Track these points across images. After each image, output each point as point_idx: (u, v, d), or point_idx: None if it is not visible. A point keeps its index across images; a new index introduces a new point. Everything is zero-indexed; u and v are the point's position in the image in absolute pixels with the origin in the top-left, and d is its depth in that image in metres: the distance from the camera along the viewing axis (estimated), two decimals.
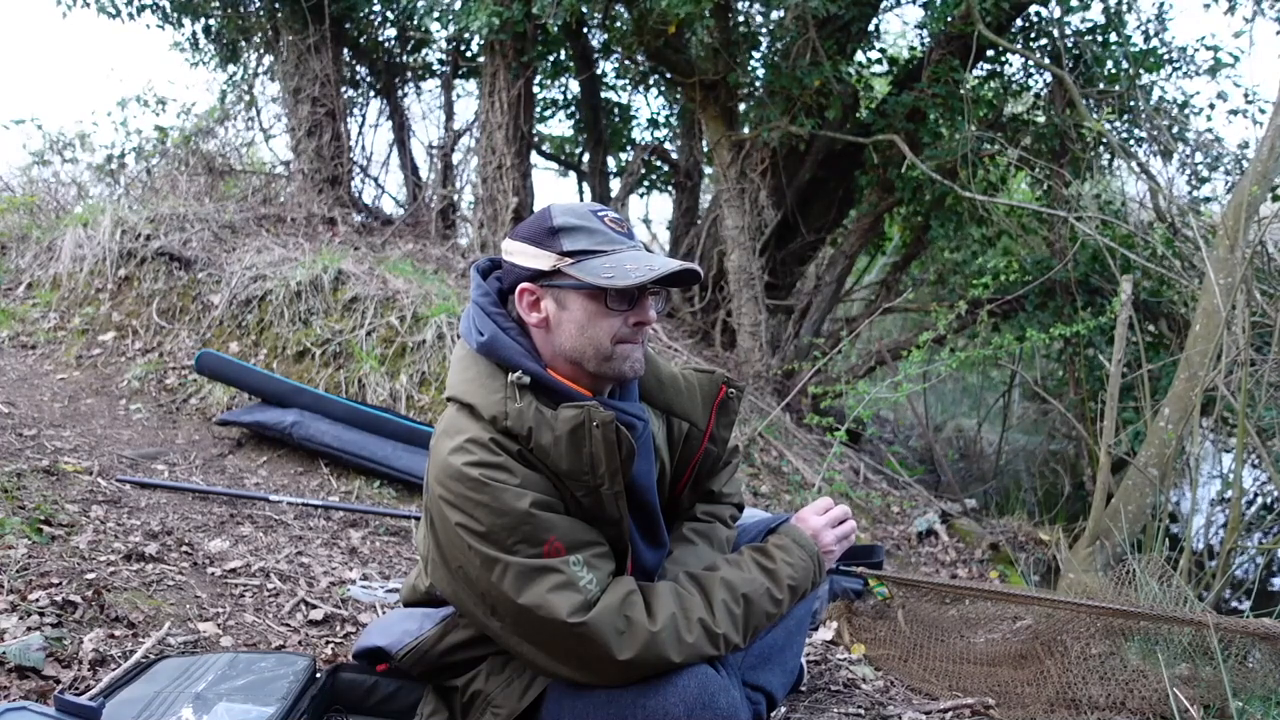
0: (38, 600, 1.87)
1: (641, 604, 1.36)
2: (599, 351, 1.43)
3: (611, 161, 7.73)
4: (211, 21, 6.68)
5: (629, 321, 1.43)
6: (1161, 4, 5.26)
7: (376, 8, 6.71)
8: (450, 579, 1.45)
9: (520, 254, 1.45)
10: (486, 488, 1.34)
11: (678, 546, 1.62)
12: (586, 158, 7.70)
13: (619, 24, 6.01)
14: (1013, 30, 5.49)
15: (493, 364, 1.44)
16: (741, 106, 5.98)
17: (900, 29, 9.57)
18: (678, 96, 6.79)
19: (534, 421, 1.39)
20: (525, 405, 1.40)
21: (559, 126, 8.34)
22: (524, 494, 1.35)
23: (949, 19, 4.96)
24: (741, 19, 5.85)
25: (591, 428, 1.37)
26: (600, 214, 1.45)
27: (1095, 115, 5.14)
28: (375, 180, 7.27)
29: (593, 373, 1.45)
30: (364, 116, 7.17)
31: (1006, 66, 5.80)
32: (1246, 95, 5.05)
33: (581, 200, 7.64)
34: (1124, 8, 5.25)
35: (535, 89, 6.75)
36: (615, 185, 7.58)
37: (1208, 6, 4.96)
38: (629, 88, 7.46)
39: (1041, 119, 5.51)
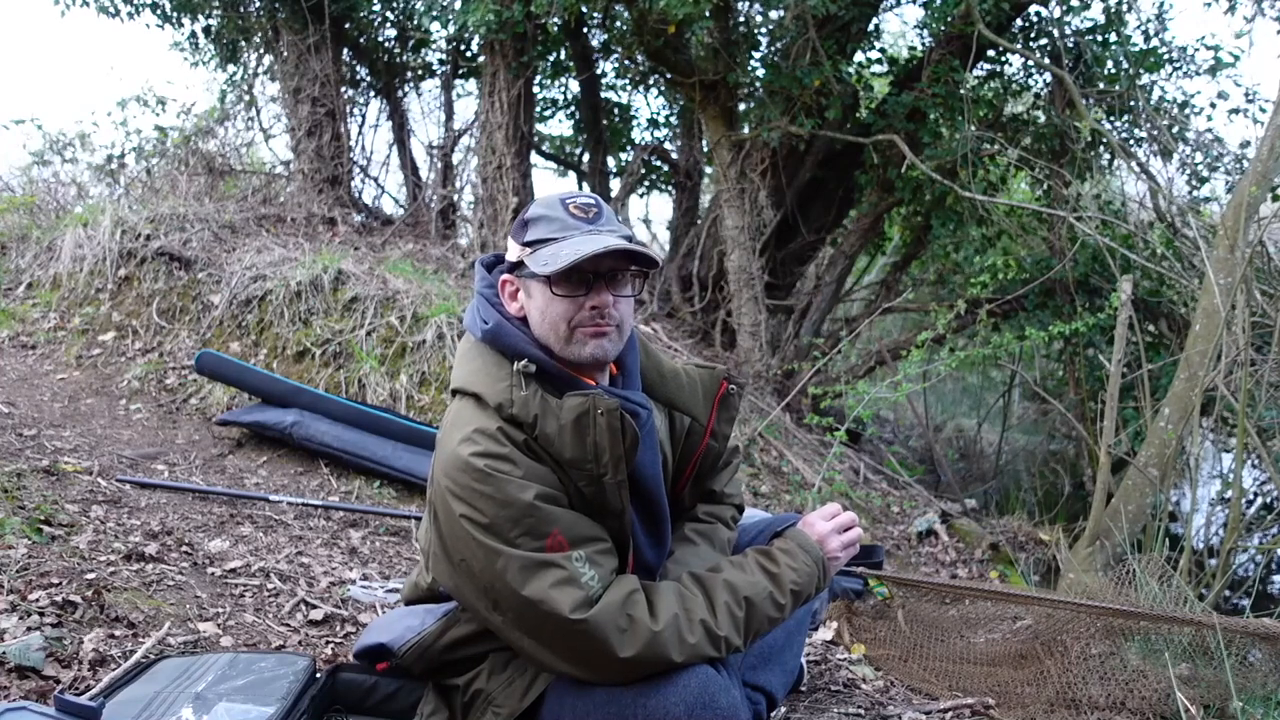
0: (38, 600, 1.87)
1: (644, 603, 1.37)
2: (558, 336, 1.45)
3: (611, 161, 7.73)
4: (211, 21, 6.68)
5: (585, 307, 1.44)
6: (1161, 4, 5.26)
7: (376, 8, 6.71)
8: (453, 573, 1.45)
9: (508, 247, 1.52)
10: (491, 479, 1.35)
11: (679, 546, 1.63)
12: (586, 158, 7.69)
13: (619, 24, 6.01)
14: (1013, 30, 5.49)
15: (498, 353, 1.47)
16: (741, 106, 5.98)
17: (900, 29, 9.58)
18: (678, 96, 6.79)
19: (539, 409, 1.40)
20: (531, 393, 1.41)
21: (559, 126, 8.36)
22: (528, 486, 1.36)
23: (949, 19, 4.96)
24: (741, 19, 5.84)
25: (596, 415, 1.39)
26: (568, 200, 1.47)
27: (1094, 115, 5.14)
28: (375, 180, 7.27)
29: (560, 358, 1.47)
30: (364, 116, 7.18)
31: (1006, 66, 5.80)
32: (1247, 95, 5.05)
33: None
34: (1124, 8, 5.25)
35: (535, 89, 6.75)
36: (615, 185, 7.58)
37: (1208, 6, 4.97)
38: (629, 88, 7.47)
39: (1041, 119, 5.51)
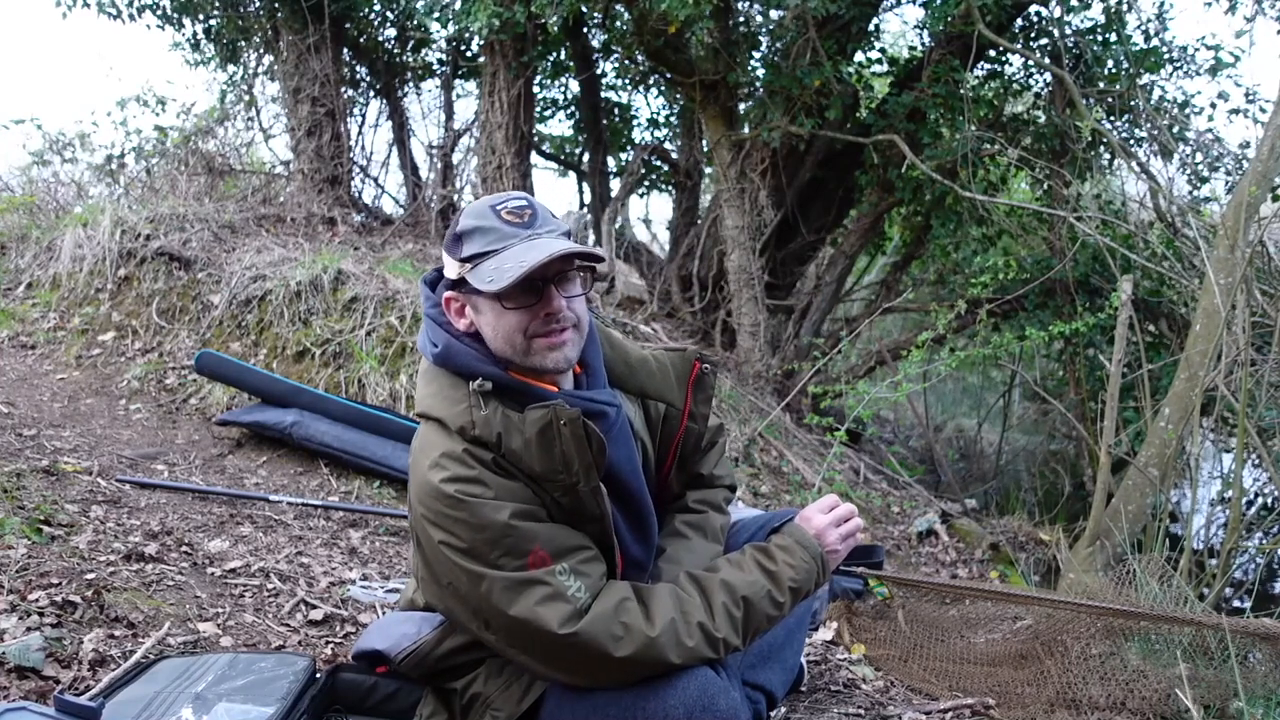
0: (38, 600, 1.87)
1: (638, 610, 1.36)
2: (516, 349, 1.41)
3: (611, 161, 7.73)
4: (211, 22, 6.68)
5: (539, 315, 1.40)
6: (1161, 4, 5.26)
7: (376, 8, 6.71)
8: (442, 595, 1.45)
9: (445, 262, 1.46)
10: (464, 504, 1.34)
11: (671, 542, 1.62)
12: (586, 158, 7.70)
13: (619, 24, 6.01)
14: (1013, 30, 5.49)
15: (453, 374, 1.44)
16: (741, 106, 5.98)
17: (900, 29, 9.58)
18: (678, 96, 6.79)
19: (502, 427, 1.39)
20: (491, 412, 1.39)
21: (559, 126, 8.36)
22: (502, 506, 1.35)
23: (949, 19, 4.96)
24: (741, 19, 5.84)
25: (559, 426, 1.37)
26: (499, 206, 1.41)
27: (1094, 115, 5.14)
28: (375, 180, 7.27)
29: (521, 368, 1.44)
30: (364, 116, 7.18)
31: (1006, 66, 5.80)
32: (1247, 95, 5.05)
33: (581, 201, 7.68)
34: (1124, 7, 5.25)
35: (535, 89, 6.75)
36: (615, 185, 7.58)
37: (1208, 6, 4.96)
38: (629, 88, 7.46)
39: (1041, 119, 5.51)
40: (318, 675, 1.70)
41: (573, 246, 1.37)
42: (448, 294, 1.46)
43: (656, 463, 1.66)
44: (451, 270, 1.43)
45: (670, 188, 7.75)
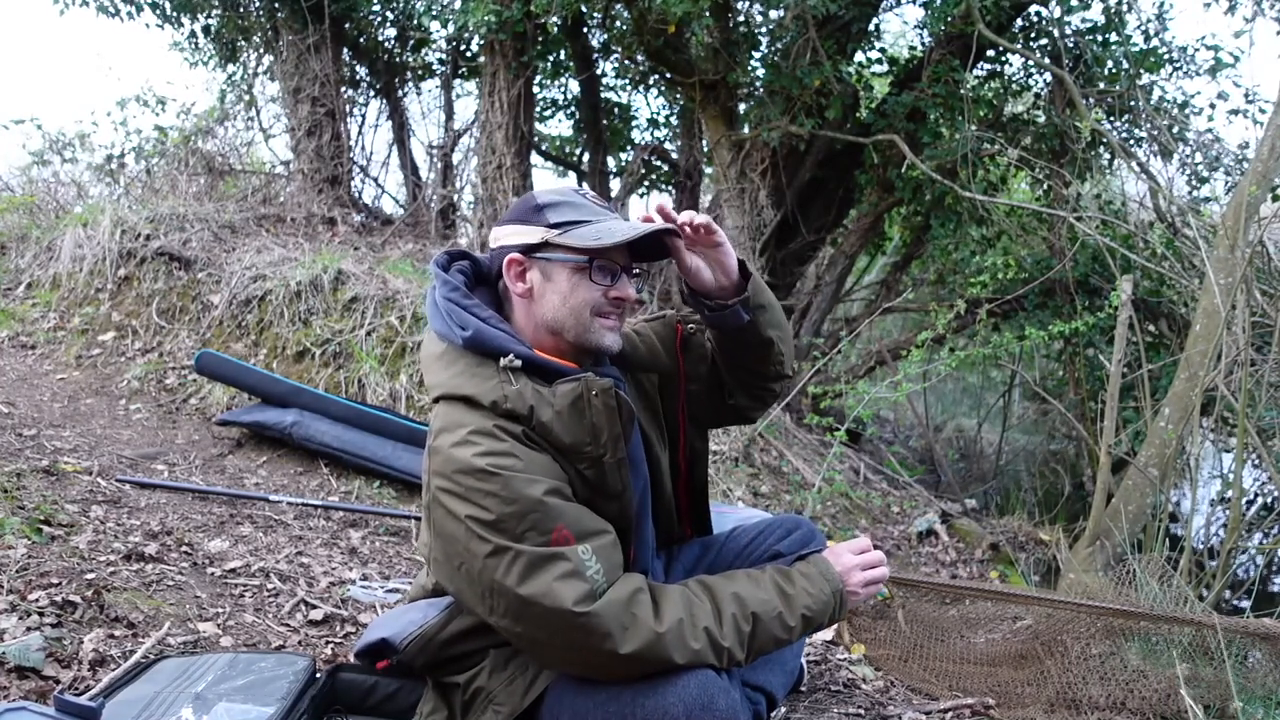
0: (38, 600, 1.87)
1: (649, 604, 1.36)
2: (579, 322, 1.48)
3: (611, 161, 7.73)
4: (211, 21, 6.68)
5: (608, 295, 1.48)
6: (1161, 4, 5.26)
7: (376, 8, 6.71)
8: (454, 576, 1.44)
9: (509, 235, 1.51)
10: (496, 477, 1.34)
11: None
12: (586, 158, 7.70)
13: (619, 24, 6.01)
14: (1013, 30, 5.49)
15: (478, 355, 1.46)
16: (741, 106, 5.98)
17: (900, 29, 9.57)
18: (678, 96, 6.79)
19: (534, 400, 1.41)
20: (522, 386, 1.42)
21: (559, 126, 8.36)
22: (535, 481, 1.36)
23: (949, 19, 4.96)
24: (741, 19, 5.84)
25: (591, 397, 1.41)
26: (581, 191, 1.54)
27: (1094, 115, 5.14)
28: (375, 180, 7.28)
29: (571, 343, 1.50)
30: (364, 116, 7.18)
31: (1006, 66, 5.80)
32: (1246, 95, 5.05)
33: None
34: (1124, 8, 5.25)
35: (535, 89, 6.75)
36: (615, 185, 7.57)
37: (1208, 6, 4.96)
38: (629, 88, 7.46)
39: (1041, 119, 5.51)
40: (318, 675, 1.70)
41: (671, 226, 1.47)
42: (513, 256, 1.50)
43: (670, 436, 1.70)
44: (532, 237, 1.48)
45: (670, 188, 7.75)
